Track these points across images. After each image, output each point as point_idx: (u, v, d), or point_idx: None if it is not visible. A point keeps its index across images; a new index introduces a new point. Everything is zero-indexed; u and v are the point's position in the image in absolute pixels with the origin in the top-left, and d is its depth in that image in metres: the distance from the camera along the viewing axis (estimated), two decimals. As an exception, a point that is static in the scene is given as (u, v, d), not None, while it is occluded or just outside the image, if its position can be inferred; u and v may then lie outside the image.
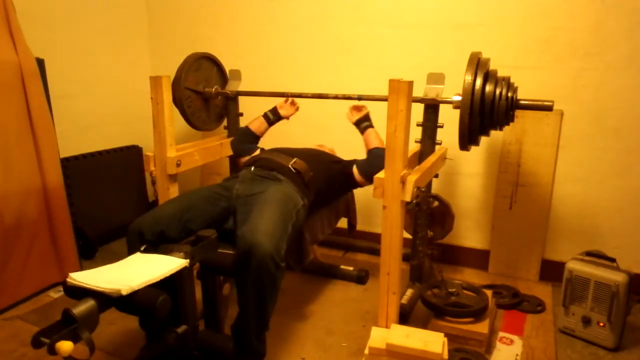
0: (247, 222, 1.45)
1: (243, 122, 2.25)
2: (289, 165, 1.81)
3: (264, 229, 1.37)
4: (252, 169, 1.81)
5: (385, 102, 1.43)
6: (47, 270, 2.07)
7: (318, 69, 2.50)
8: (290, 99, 2.14)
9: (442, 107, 1.79)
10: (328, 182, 1.89)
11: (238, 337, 1.43)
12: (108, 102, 2.71)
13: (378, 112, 1.93)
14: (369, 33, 2.34)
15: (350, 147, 2.32)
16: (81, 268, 2.20)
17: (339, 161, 2.03)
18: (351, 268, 2.20)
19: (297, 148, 1.99)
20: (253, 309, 1.38)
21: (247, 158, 2.03)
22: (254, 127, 2.12)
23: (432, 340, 1.39)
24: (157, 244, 1.47)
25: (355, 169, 1.92)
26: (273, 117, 2.12)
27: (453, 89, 1.75)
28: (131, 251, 1.48)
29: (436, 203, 1.99)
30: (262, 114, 2.13)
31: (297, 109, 2.16)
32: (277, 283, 1.39)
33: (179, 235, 1.54)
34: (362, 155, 1.98)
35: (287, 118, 2.15)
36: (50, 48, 2.28)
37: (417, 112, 1.71)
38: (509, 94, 1.58)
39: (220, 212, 1.66)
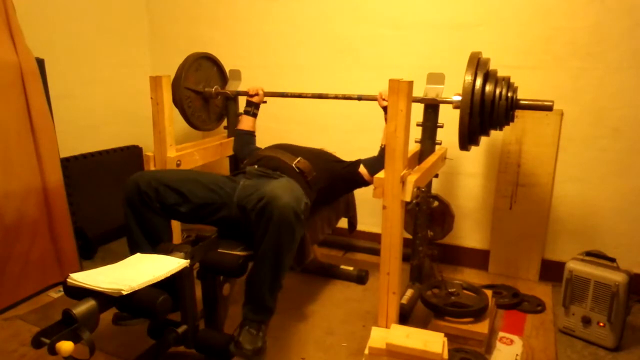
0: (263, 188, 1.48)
1: (243, 122, 2.25)
2: (293, 165, 1.80)
3: (282, 186, 1.43)
4: (256, 167, 1.81)
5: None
6: (47, 270, 2.07)
7: (318, 69, 2.50)
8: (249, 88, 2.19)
9: (442, 107, 1.79)
10: (330, 181, 1.89)
11: (251, 290, 1.45)
12: (108, 102, 2.71)
13: (378, 112, 1.93)
14: (369, 33, 2.34)
15: (350, 146, 2.32)
16: (81, 268, 2.20)
17: (342, 161, 2.02)
18: (351, 268, 2.20)
19: (300, 146, 1.99)
20: (269, 261, 1.41)
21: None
22: (245, 127, 2.17)
23: (432, 340, 1.39)
24: (151, 200, 1.52)
25: (362, 168, 1.91)
26: (252, 108, 2.17)
27: (453, 89, 1.75)
28: (129, 200, 1.53)
29: (436, 203, 1.99)
30: (244, 112, 2.18)
31: (262, 89, 2.18)
32: (296, 236, 1.41)
33: (174, 201, 1.56)
34: (362, 155, 1.98)
35: (264, 102, 2.21)
36: (50, 48, 2.28)
37: (417, 112, 1.71)
38: (509, 94, 1.58)
39: (218, 200, 1.65)
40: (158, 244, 1.50)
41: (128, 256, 1.41)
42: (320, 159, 1.94)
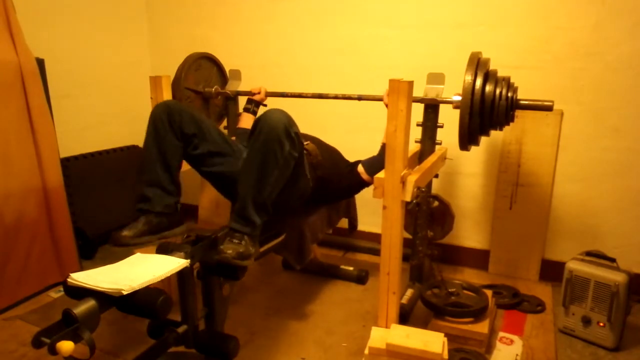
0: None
1: (243, 122, 2.25)
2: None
3: (275, 109, 1.46)
4: None
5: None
6: (47, 270, 2.07)
7: (318, 69, 2.50)
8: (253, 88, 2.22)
9: (442, 107, 1.79)
10: (334, 174, 1.89)
11: (237, 202, 1.46)
12: (108, 102, 2.71)
13: (378, 112, 1.93)
14: (369, 33, 2.34)
15: (350, 146, 2.31)
16: (81, 268, 2.20)
17: (348, 162, 2.03)
18: (351, 268, 2.20)
19: (313, 136, 2.00)
20: (253, 172, 1.42)
21: None
22: (246, 125, 2.16)
23: (432, 340, 1.39)
24: (175, 123, 1.58)
25: (360, 167, 1.90)
26: (252, 106, 2.20)
27: (453, 89, 1.75)
28: (156, 119, 1.58)
29: (436, 203, 1.99)
30: (243, 109, 2.19)
31: (264, 88, 2.21)
32: (284, 152, 1.42)
33: (192, 132, 1.60)
34: (362, 155, 1.98)
35: (265, 104, 2.20)
36: (50, 48, 2.28)
37: (417, 112, 1.71)
38: (509, 94, 1.58)
39: (229, 151, 1.70)
40: (168, 167, 1.57)
41: (128, 254, 1.41)
42: (329, 151, 1.96)
